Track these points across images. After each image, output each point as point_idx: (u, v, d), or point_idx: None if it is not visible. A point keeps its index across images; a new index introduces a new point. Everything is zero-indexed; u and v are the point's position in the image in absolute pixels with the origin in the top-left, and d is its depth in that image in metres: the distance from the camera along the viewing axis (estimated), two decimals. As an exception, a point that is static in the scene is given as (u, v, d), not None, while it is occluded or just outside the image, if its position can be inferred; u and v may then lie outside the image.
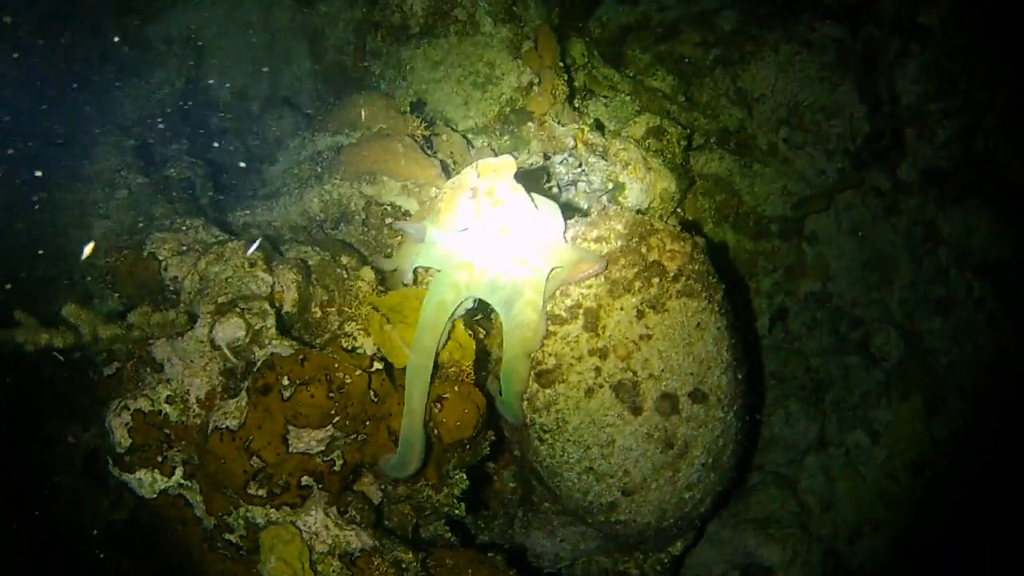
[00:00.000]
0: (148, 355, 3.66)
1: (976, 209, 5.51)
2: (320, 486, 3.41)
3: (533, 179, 4.58)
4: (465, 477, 3.68)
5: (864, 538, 5.22)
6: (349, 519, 3.49)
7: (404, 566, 3.44)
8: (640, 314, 3.63)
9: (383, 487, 3.63)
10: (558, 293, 3.65)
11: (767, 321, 5.43)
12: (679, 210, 4.94)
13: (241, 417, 3.36)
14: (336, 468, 3.41)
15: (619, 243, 3.67)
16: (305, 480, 3.39)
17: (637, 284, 3.63)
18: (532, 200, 3.49)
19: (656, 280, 3.65)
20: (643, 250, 3.67)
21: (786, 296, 5.46)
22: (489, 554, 3.69)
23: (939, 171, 5.45)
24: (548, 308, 3.64)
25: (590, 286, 3.64)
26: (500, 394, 3.68)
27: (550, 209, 3.57)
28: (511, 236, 3.47)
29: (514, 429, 3.88)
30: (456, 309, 3.52)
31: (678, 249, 3.71)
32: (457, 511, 3.69)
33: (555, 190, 4.75)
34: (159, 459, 3.48)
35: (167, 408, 3.57)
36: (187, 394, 3.58)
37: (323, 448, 3.38)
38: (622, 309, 3.63)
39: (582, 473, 3.74)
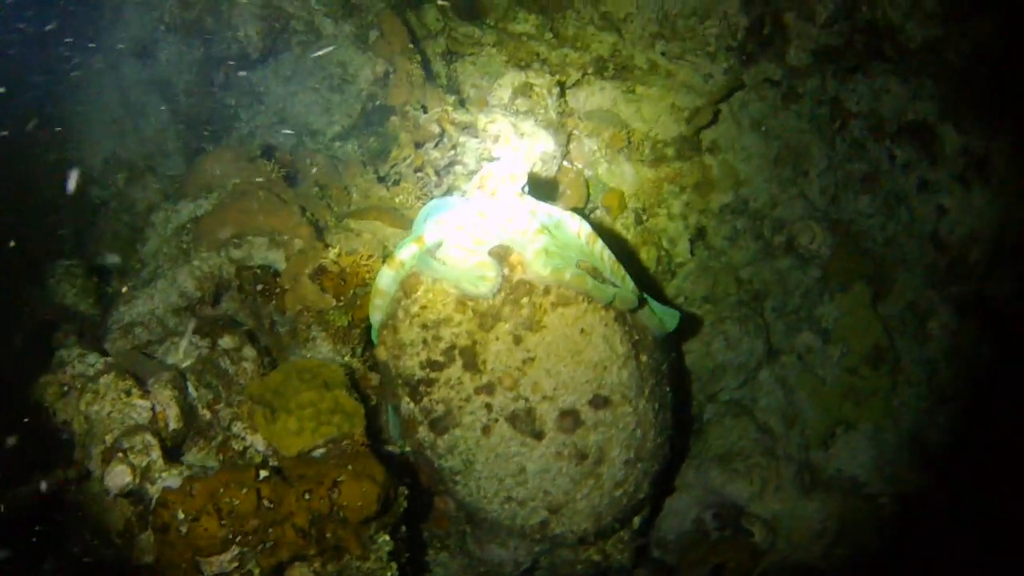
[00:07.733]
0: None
1: (880, 73, 5.13)
2: (245, 599, 3.49)
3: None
4: (389, 539, 3.69)
5: (838, 440, 5.10)
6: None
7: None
8: (517, 339, 3.53)
9: (313, 569, 3.67)
10: (430, 337, 3.57)
11: (687, 244, 5.21)
12: (565, 163, 4.72)
13: (154, 553, 3.46)
14: (256, 577, 3.47)
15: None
16: (231, 597, 3.47)
17: (507, 309, 3.52)
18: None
19: (525, 300, 3.53)
20: (505, 272, 3.54)
21: (700, 214, 5.20)
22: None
23: (830, 48, 5.05)
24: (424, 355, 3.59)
25: (460, 323, 3.54)
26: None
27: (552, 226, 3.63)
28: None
29: (428, 470, 3.87)
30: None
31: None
32: (390, 572, 3.72)
33: (433, 177, 4.58)
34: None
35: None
36: (108, 532, 3.69)
37: (237, 564, 3.44)
38: (498, 339, 3.54)
39: (503, 503, 3.72)
